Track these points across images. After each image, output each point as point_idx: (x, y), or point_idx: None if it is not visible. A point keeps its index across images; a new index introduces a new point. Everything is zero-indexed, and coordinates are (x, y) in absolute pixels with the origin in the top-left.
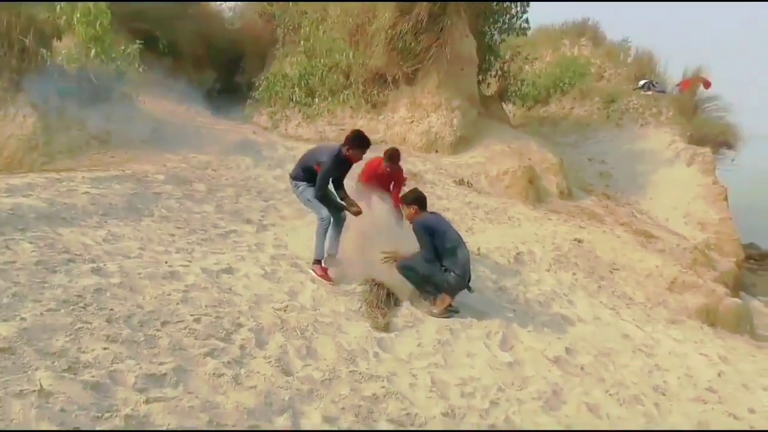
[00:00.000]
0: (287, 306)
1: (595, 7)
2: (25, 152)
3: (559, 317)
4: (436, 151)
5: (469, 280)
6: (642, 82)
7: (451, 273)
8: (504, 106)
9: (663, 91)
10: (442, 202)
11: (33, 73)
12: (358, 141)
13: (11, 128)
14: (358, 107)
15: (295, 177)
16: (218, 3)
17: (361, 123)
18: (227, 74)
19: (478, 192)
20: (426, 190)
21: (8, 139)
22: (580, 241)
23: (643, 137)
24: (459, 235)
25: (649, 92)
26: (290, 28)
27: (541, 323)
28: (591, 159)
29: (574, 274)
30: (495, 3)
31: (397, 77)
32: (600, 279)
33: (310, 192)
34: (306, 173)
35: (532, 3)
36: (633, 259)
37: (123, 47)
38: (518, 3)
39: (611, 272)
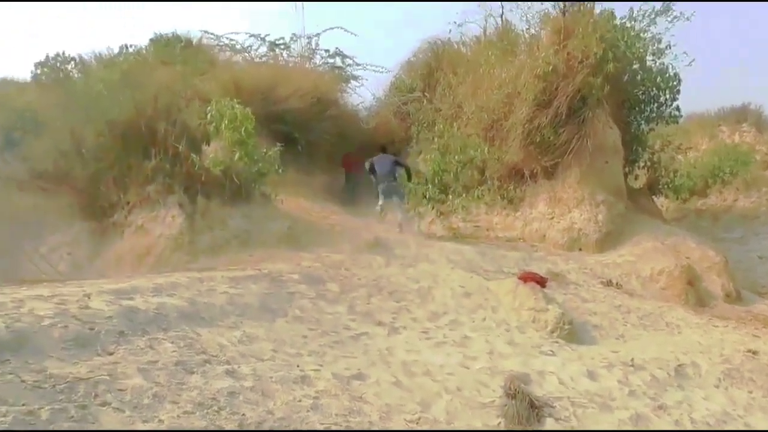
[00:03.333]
0: (419, 418)
1: (758, 90)
2: (171, 251)
3: None
4: (580, 249)
5: None
6: None
7: None
8: (655, 199)
9: None
10: (588, 305)
11: (183, 176)
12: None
13: (161, 228)
14: (493, 203)
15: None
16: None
17: (497, 219)
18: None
19: (629, 294)
20: (569, 292)
21: (158, 239)
22: (754, 352)
23: None
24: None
25: None
26: (424, 125)
27: None
28: (762, 257)
29: (750, 392)
30: (641, 93)
31: (535, 171)
32: None
33: None
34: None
35: (682, 91)
36: None
37: (265, 150)
38: (666, 91)
39: None
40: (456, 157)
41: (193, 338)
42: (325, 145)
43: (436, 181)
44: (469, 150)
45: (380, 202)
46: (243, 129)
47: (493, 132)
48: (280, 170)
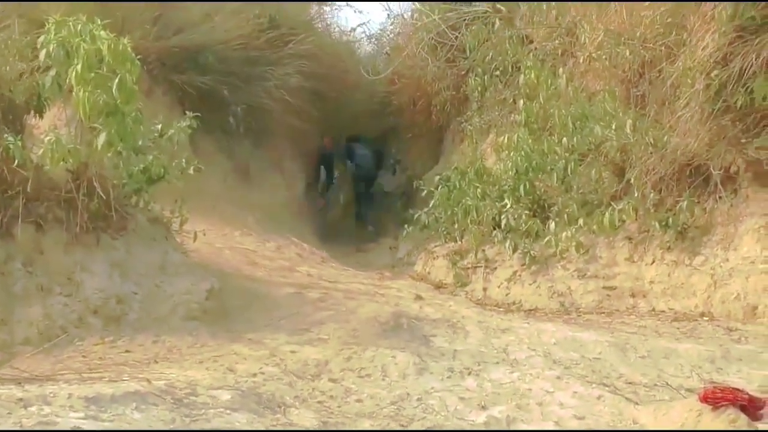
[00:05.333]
0: None
1: None
2: None
3: None
4: None
5: None
6: None
7: None
8: None
9: None
10: None
11: None
12: None
13: None
14: (643, 238)
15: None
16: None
17: (654, 273)
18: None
19: None
20: None
21: None
22: None
23: None
24: None
25: None
26: (496, 74)
27: None
28: None
29: None
30: None
31: (732, 171)
32: None
33: None
34: None
35: None
36: None
37: (159, 127)
38: None
39: None
40: (565, 140)
41: None
42: (285, 116)
43: (522, 191)
44: (595, 124)
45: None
46: (116, 82)
47: (642, 89)
48: (192, 169)
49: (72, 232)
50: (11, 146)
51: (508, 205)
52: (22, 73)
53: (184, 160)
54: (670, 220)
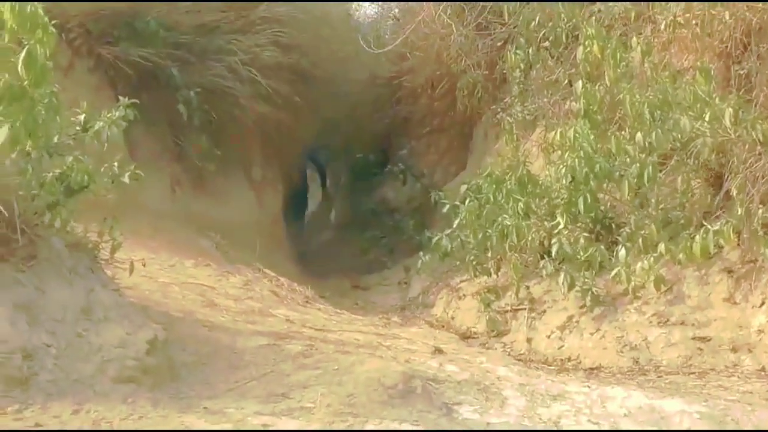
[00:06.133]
0: None
1: None
2: None
3: None
4: None
5: None
6: None
7: None
8: None
9: None
10: None
11: None
12: None
13: None
14: (750, 268)
15: None
16: None
17: (765, 318)
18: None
19: None
20: None
21: None
22: None
23: None
24: None
25: None
26: (542, 44)
27: None
28: None
29: None
30: None
31: None
32: None
33: None
34: None
35: None
36: None
37: (82, 118)
38: None
39: None
40: (640, 136)
41: None
42: (256, 104)
43: (580, 206)
44: (681, 114)
45: None
46: (22, 57)
47: (747, 66)
48: (128, 176)
49: None
50: None
51: (561, 225)
52: None
53: (116, 164)
54: None
